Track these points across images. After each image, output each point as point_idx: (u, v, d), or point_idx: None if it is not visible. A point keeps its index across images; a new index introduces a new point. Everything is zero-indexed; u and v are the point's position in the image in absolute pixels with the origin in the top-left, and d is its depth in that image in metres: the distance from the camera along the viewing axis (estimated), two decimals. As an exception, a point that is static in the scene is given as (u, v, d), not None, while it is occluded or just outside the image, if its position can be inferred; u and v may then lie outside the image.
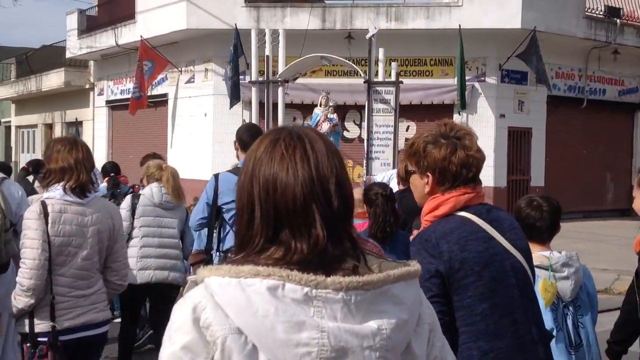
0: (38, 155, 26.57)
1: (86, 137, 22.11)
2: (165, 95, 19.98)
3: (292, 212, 1.42)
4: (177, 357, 1.36)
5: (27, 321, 3.84)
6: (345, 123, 17.05)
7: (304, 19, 16.40)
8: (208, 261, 5.52)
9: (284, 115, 13.52)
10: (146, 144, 19.45)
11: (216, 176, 5.40)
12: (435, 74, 17.19)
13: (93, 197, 3.99)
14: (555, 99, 18.19)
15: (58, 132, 26.75)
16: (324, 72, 16.90)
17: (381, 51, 12.71)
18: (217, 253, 5.45)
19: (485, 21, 15.93)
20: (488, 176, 15.87)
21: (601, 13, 18.44)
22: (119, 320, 6.46)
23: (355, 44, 16.45)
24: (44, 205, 3.78)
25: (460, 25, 15.59)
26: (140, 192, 6.26)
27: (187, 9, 17.14)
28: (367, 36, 12.60)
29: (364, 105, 16.14)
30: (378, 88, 12.54)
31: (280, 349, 1.34)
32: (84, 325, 3.90)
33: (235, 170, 5.49)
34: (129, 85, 20.67)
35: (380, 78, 12.81)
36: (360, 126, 17.30)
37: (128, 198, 6.16)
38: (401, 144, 13.96)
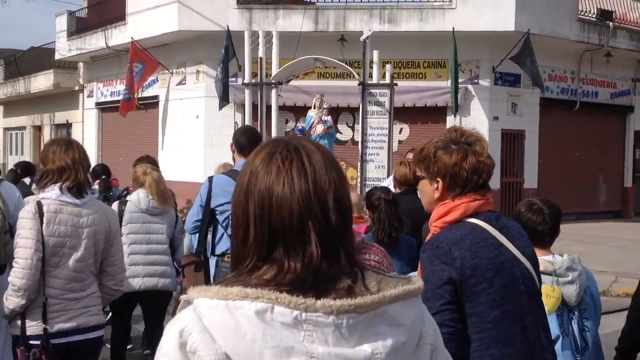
0: (27, 157, 26.40)
1: (76, 139, 21.86)
2: (156, 97, 19.84)
3: (287, 229, 1.37)
4: None
5: (19, 323, 3.78)
6: (338, 125, 16.96)
7: (297, 21, 16.31)
8: (199, 264, 5.48)
9: (278, 118, 13.41)
10: (137, 146, 19.33)
11: (210, 179, 5.39)
12: (428, 77, 17.14)
13: (90, 199, 3.95)
14: (548, 101, 18.19)
15: (47, 134, 26.58)
16: (316, 74, 16.83)
17: (375, 53, 12.63)
18: (211, 256, 5.41)
19: (478, 24, 15.89)
20: (481, 179, 15.77)
21: (594, 16, 18.45)
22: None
23: (348, 46, 16.39)
24: (39, 205, 3.75)
25: (453, 28, 15.55)
26: (128, 198, 6.16)
27: (178, 10, 17.01)
28: (362, 38, 12.52)
29: (357, 108, 16.08)
30: (372, 90, 12.46)
31: None
32: (76, 329, 3.83)
33: (230, 173, 5.40)
34: (119, 87, 20.53)
35: (374, 80, 12.73)
36: (353, 128, 17.24)
37: (115, 204, 6.03)
38: (395, 147, 13.95)
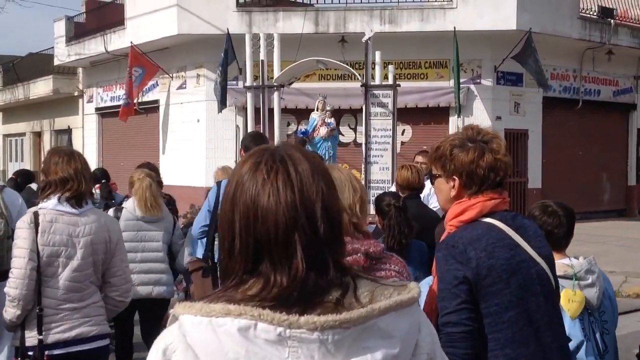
0: (27, 163, 26.33)
1: (76, 145, 21.84)
2: (156, 101, 19.75)
3: (273, 241, 1.34)
4: None
5: (19, 334, 3.77)
6: (340, 127, 16.85)
7: (297, 23, 16.24)
8: (207, 269, 5.46)
9: (280, 121, 13.32)
10: (137, 151, 19.28)
11: (219, 184, 5.40)
12: (430, 77, 17.06)
13: (89, 208, 3.91)
14: (551, 100, 18.11)
15: (47, 140, 26.52)
16: (317, 77, 16.75)
17: (378, 54, 12.54)
18: (219, 262, 5.34)
19: (479, 23, 15.81)
20: (486, 179, 15.69)
21: (595, 14, 18.37)
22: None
23: (348, 47, 16.32)
24: (35, 215, 3.75)
25: (455, 28, 15.47)
26: (123, 205, 6.08)
27: (178, 14, 16.93)
28: (364, 39, 12.42)
29: (359, 109, 16.01)
30: (375, 91, 12.36)
31: None
32: (75, 339, 3.79)
33: None
34: (119, 92, 20.45)
35: (377, 81, 12.63)
36: (355, 130, 17.16)
37: (111, 211, 5.94)
38: (398, 148, 13.84)
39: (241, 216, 1.37)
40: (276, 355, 1.27)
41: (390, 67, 12.65)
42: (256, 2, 17.61)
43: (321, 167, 1.44)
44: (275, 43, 12.83)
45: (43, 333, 3.72)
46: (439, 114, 16.91)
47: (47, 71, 24.78)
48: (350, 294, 1.35)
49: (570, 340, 3.48)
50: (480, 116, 16.75)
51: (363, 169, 12.63)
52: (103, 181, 8.59)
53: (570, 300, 3.56)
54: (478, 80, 16.95)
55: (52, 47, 24.18)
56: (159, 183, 6.49)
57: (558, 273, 3.39)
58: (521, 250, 2.57)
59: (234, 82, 17.00)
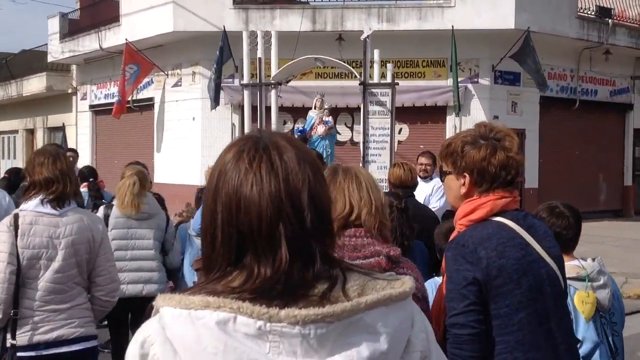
0: (19, 161, 26.15)
1: (70, 143, 21.68)
2: (151, 99, 19.61)
3: (256, 233, 1.29)
4: None
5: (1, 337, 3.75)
6: (337, 126, 16.68)
7: (294, 21, 16.13)
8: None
9: (277, 119, 13.21)
10: (132, 149, 19.15)
11: None
12: (427, 76, 16.97)
13: (71, 208, 3.85)
14: (548, 100, 18.06)
15: (40, 137, 26.36)
16: (314, 75, 16.65)
17: (376, 52, 12.43)
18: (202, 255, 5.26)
19: (478, 22, 15.74)
20: (483, 179, 15.65)
21: (593, 13, 18.32)
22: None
23: (345, 45, 16.21)
24: (15, 217, 3.71)
25: (453, 26, 15.39)
26: (114, 202, 5.99)
27: (173, 11, 16.80)
28: (362, 37, 12.30)
29: (356, 108, 15.91)
30: (374, 90, 12.24)
31: None
32: (56, 341, 3.73)
33: None
34: (114, 89, 20.32)
35: (375, 80, 12.52)
36: (352, 129, 17.08)
37: (101, 209, 5.91)
38: (395, 147, 13.72)
39: (223, 207, 1.32)
40: (256, 351, 1.22)
41: (389, 66, 12.53)
42: (253, 0, 17.49)
43: (308, 155, 1.38)
44: (273, 41, 12.71)
45: (18, 337, 3.67)
46: (436, 113, 16.84)
47: (40, 68, 24.61)
48: (338, 287, 1.29)
49: (581, 342, 3.46)
50: (478, 115, 16.66)
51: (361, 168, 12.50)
52: (91, 179, 8.55)
53: (583, 302, 3.54)
54: (475, 80, 16.88)
55: (46, 44, 24.01)
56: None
57: (570, 275, 3.40)
58: (532, 250, 2.53)
59: (230, 80, 16.89)
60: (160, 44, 18.19)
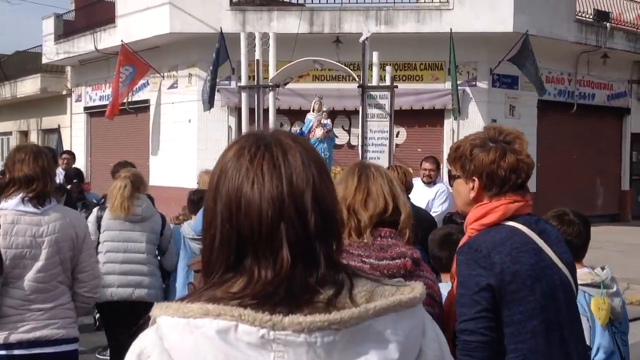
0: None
1: (64, 145, 21.55)
2: (146, 101, 19.47)
3: (257, 234, 1.23)
4: None
5: None
6: (334, 129, 16.58)
7: (291, 23, 16.03)
8: None
9: (275, 121, 13.11)
10: (127, 151, 18.97)
11: None
12: (425, 79, 16.88)
13: (52, 206, 3.77)
14: (546, 103, 17.99)
15: (34, 139, 26.18)
16: (311, 77, 16.55)
17: (375, 55, 12.36)
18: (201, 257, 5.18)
19: (476, 25, 15.65)
20: (481, 182, 15.58)
21: (591, 17, 18.28)
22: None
23: (343, 48, 16.12)
24: None
25: (451, 29, 15.30)
26: (107, 204, 5.95)
27: (170, 12, 16.66)
28: (361, 40, 12.23)
29: (353, 111, 15.86)
30: (372, 93, 12.17)
31: None
32: (38, 341, 3.70)
33: None
34: (109, 91, 20.17)
35: (374, 82, 12.44)
36: (349, 132, 16.98)
37: (95, 210, 5.89)
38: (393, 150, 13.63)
39: (223, 207, 1.27)
40: None
41: (388, 68, 12.49)
42: (250, 1, 17.39)
43: (313, 154, 1.32)
44: (271, 42, 12.61)
45: (2, 334, 3.63)
46: (434, 117, 16.74)
47: (34, 69, 24.45)
48: (344, 293, 1.23)
49: (597, 349, 3.45)
50: (476, 119, 16.60)
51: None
52: (75, 181, 8.75)
53: (600, 309, 3.50)
54: (473, 83, 16.80)
55: (40, 45, 23.86)
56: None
57: (584, 281, 3.44)
58: (545, 256, 2.47)
59: (227, 82, 16.78)
60: (157, 45, 18.06)
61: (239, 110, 15.77)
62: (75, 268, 3.88)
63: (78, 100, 23.05)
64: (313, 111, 12.34)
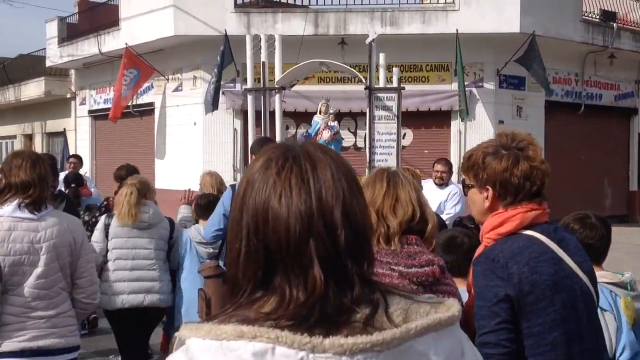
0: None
1: (69, 148, 21.51)
2: (151, 104, 19.40)
3: (285, 249, 1.19)
4: None
5: None
6: (340, 131, 16.56)
7: (296, 25, 15.95)
8: (219, 275, 5.33)
9: (281, 124, 13.03)
10: (132, 154, 18.92)
11: (233, 187, 5.34)
12: (431, 80, 16.78)
13: (48, 212, 3.80)
14: (553, 104, 17.88)
15: (38, 142, 26.17)
16: (317, 79, 16.45)
17: (382, 56, 12.26)
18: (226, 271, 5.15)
19: (482, 25, 15.55)
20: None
21: (597, 17, 18.17)
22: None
23: (348, 49, 16.04)
24: None
25: (457, 30, 15.20)
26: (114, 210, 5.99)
27: (174, 15, 16.59)
28: (367, 41, 12.14)
29: (359, 113, 15.77)
30: (379, 95, 12.07)
31: None
32: (41, 350, 3.68)
33: None
34: (113, 94, 20.09)
35: (381, 84, 12.35)
36: (355, 134, 16.89)
37: (102, 218, 5.89)
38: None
39: (249, 219, 1.23)
40: None
41: (395, 70, 12.41)
42: (254, 4, 17.31)
43: (343, 167, 1.28)
44: (277, 45, 12.53)
45: (1, 344, 3.59)
46: (441, 118, 16.65)
47: (38, 73, 24.42)
48: (381, 312, 1.20)
49: (622, 349, 3.40)
50: (483, 120, 16.52)
51: (367, 174, 12.34)
52: (72, 185, 8.85)
53: (627, 308, 3.47)
54: (480, 84, 16.69)
55: (44, 49, 23.83)
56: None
57: (610, 281, 3.47)
58: (565, 265, 2.41)
59: (232, 85, 16.71)
60: (161, 48, 18.00)
61: (244, 112, 15.71)
62: (74, 274, 3.86)
63: (82, 103, 23.01)
64: (320, 113, 12.23)
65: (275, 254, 1.20)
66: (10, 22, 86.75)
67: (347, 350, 1.12)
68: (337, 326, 1.16)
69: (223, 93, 16.12)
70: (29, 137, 27.40)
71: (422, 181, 6.07)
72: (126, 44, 17.77)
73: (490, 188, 2.50)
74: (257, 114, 13.14)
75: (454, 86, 16.13)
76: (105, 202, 7.59)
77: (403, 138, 16.16)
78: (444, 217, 7.41)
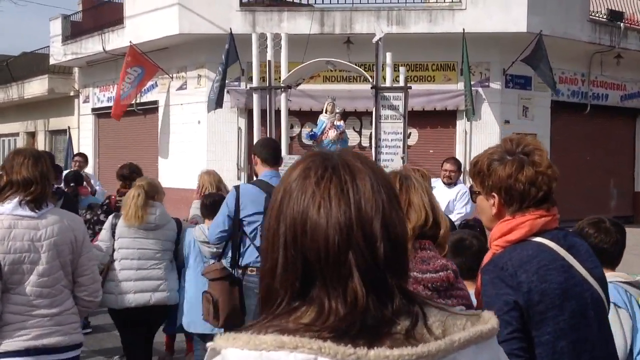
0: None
1: (74, 146, 21.48)
2: (155, 102, 19.34)
3: (323, 260, 1.18)
4: None
5: None
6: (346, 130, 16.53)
7: (301, 23, 15.88)
8: (235, 280, 5.27)
9: (287, 123, 12.96)
10: (135, 153, 18.89)
11: (237, 188, 5.28)
12: (437, 79, 16.71)
13: (49, 210, 3.77)
14: (559, 104, 17.82)
15: (41, 140, 26.14)
16: (322, 78, 16.39)
17: (389, 56, 12.19)
18: (236, 269, 5.30)
19: (489, 25, 15.47)
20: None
21: (604, 17, 18.08)
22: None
23: (354, 48, 15.98)
24: None
25: (464, 29, 15.13)
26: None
27: (179, 13, 16.53)
28: (374, 40, 12.06)
29: (364, 112, 15.72)
30: (386, 94, 11.99)
31: None
32: (45, 348, 3.66)
33: (257, 182, 5.30)
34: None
35: (387, 83, 12.27)
36: (360, 133, 16.83)
37: (110, 218, 5.90)
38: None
39: (287, 228, 1.22)
40: None
41: (402, 69, 12.33)
42: (260, 2, 17.23)
43: (383, 177, 1.27)
44: (283, 43, 12.47)
45: (5, 343, 3.57)
46: (447, 118, 16.58)
47: (42, 71, 24.38)
48: (420, 324, 1.19)
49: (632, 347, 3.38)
50: (489, 120, 16.45)
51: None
52: (71, 184, 8.92)
53: None
54: (486, 84, 16.62)
55: (47, 47, 23.79)
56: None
57: (624, 279, 3.47)
58: (575, 273, 2.36)
59: (236, 83, 16.64)
60: (165, 46, 17.94)
61: (248, 111, 15.65)
62: (75, 272, 3.84)
63: (86, 101, 22.96)
64: (326, 112, 12.16)
65: (314, 264, 1.19)
66: (14, 20, 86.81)
67: None
68: (380, 338, 1.14)
69: (227, 92, 16.06)
70: (32, 135, 27.38)
71: (432, 180, 6.01)
72: (130, 42, 17.71)
73: (496, 195, 2.46)
74: (262, 113, 13.07)
75: (460, 86, 16.05)
76: (107, 201, 7.57)
77: (408, 137, 16.11)
78: (455, 216, 7.39)
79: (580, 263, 2.40)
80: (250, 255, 5.14)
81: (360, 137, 16.79)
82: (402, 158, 11.80)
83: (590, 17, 17.55)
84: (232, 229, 5.18)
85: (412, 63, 16.26)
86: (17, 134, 28.65)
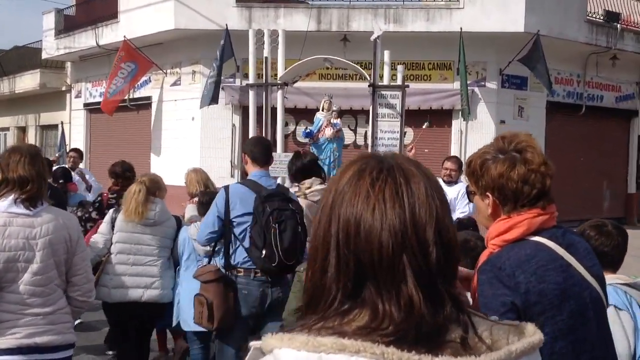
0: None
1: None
2: (148, 98, 19.21)
3: (377, 263, 1.17)
4: None
5: None
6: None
7: (298, 20, 15.79)
8: (229, 282, 5.17)
9: (283, 120, 12.86)
10: (128, 149, 18.76)
11: (226, 188, 5.22)
12: (433, 78, 16.64)
13: (44, 208, 3.75)
14: (554, 105, 17.81)
15: (32, 135, 25.93)
16: (318, 76, 16.30)
17: (387, 54, 12.10)
18: (224, 270, 5.24)
19: (487, 24, 15.42)
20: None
21: (601, 17, 18.07)
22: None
23: (350, 46, 15.90)
24: None
25: (461, 29, 15.07)
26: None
27: (175, 8, 16.40)
28: (372, 38, 11.97)
29: (360, 110, 15.65)
30: (383, 92, 11.91)
31: None
32: (38, 347, 3.65)
33: (246, 182, 5.24)
34: (109, 87, 19.89)
35: (385, 82, 12.19)
36: (355, 131, 16.75)
37: (110, 212, 5.93)
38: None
39: (339, 229, 1.21)
40: None
41: (400, 68, 12.23)
42: (256, -2, 17.14)
43: (435, 182, 1.26)
44: (280, 40, 12.36)
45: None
46: (443, 117, 16.51)
47: (33, 65, 24.21)
48: (472, 333, 1.18)
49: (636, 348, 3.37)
50: (484, 120, 16.41)
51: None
52: (61, 181, 8.96)
53: None
54: (482, 83, 16.57)
55: (40, 41, 23.62)
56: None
57: (624, 282, 3.47)
58: (573, 272, 2.32)
59: (231, 80, 16.53)
60: (160, 41, 17.81)
61: (243, 108, 15.54)
62: (69, 271, 3.82)
63: (77, 96, 22.79)
64: (322, 110, 12.08)
65: (367, 266, 1.17)
66: (4, 14, 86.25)
67: None
68: (440, 345, 1.14)
69: (222, 88, 15.94)
70: (23, 130, 27.18)
71: None
72: (124, 36, 17.56)
73: (490, 194, 2.42)
74: (258, 110, 12.97)
75: (456, 85, 16.01)
76: (99, 198, 7.49)
77: (404, 136, 16.04)
78: (458, 215, 7.39)
79: (578, 261, 2.36)
80: (239, 255, 5.08)
81: (355, 136, 16.73)
82: None
83: (587, 17, 17.54)
84: (222, 230, 5.14)
85: (408, 62, 16.13)
86: (7, 129, 28.44)
